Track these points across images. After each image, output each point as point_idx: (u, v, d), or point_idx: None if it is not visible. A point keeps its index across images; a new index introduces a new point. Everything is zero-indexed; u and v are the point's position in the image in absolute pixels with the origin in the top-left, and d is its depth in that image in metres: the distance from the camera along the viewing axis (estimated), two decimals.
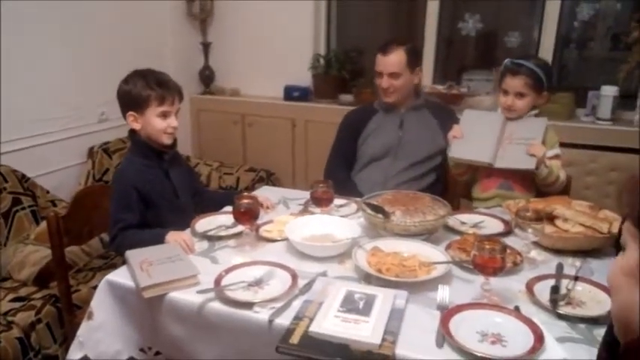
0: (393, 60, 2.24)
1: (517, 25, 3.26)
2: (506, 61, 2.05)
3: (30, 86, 2.74)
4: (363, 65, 3.58)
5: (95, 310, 1.44)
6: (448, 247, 1.55)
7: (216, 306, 1.29)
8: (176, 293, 1.34)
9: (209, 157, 3.73)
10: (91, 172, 3.01)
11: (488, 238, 1.33)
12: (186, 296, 1.33)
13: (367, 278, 1.40)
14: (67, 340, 1.94)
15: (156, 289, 1.34)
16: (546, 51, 3.10)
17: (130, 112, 1.79)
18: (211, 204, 1.99)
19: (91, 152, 3.07)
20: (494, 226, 1.77)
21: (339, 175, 2.31)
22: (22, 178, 2.56)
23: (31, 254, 2.24)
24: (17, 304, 2.00)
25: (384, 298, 1.26)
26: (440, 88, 3.31)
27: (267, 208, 1.92)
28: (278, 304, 1.27)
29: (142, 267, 1.41)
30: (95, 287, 2.17)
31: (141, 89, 1.77)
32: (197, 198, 2.02)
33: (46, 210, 2.60)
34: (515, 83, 1.99)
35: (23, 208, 2.50)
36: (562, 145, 2.09)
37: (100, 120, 3.17)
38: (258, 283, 1.37)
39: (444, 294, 1.29)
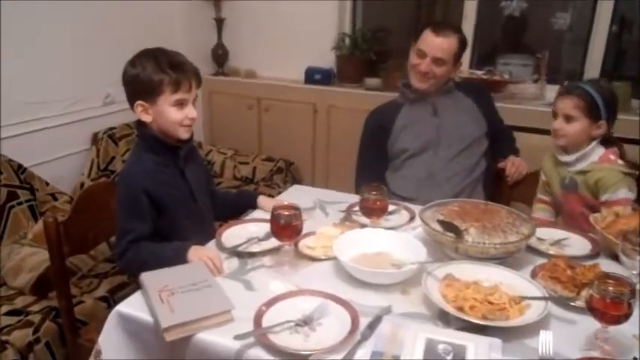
0: (444, 44, 2.00)
1: (565, 5, 2.94)
2: (564, 83, 1.80)
3: (26, 65, 2.47)
4: (391, 46, 3.27)
5: (103, 347, 1.17)
6: (534, 275, 1.27)
7: (259, 355, 1.02)
8: (206, 334, 1.07)
9: (222, 144, 3.45)
10: (96, 161, 2.77)
11: (609, 276, 1.03)
12: (220, 339, 1.06)
13: (444, 317, 1.12)
14: None
15: (180, 330, 1.06)
16: (600, 35, 2.78)
17: (139, 102, 1.49)
18: (227, 208, 1.75)
19: (95, 138, 2.84)
20: (579, 245, 1.48)
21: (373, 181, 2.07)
22: (19, 169, 2.30)
23: (29, 257, 1.98)
24: (13, 319, 1.75)
25: (477, 350, 0.98)
26: (479, 73, 3.01)
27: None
28: (338, 356, 0.99)
29: (162, 297, 1.13)
30: (101, 298, 1.94)
31: (152, 73, 1.46)
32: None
33: (46, 204, 2.35)
34: (564, 104, 1.73)
35: (20, 203, 2.23)
36: None
37: (105, 103, 2.92)
38: (308, 321, 1.10)
39: (546, 342, 1.02)
